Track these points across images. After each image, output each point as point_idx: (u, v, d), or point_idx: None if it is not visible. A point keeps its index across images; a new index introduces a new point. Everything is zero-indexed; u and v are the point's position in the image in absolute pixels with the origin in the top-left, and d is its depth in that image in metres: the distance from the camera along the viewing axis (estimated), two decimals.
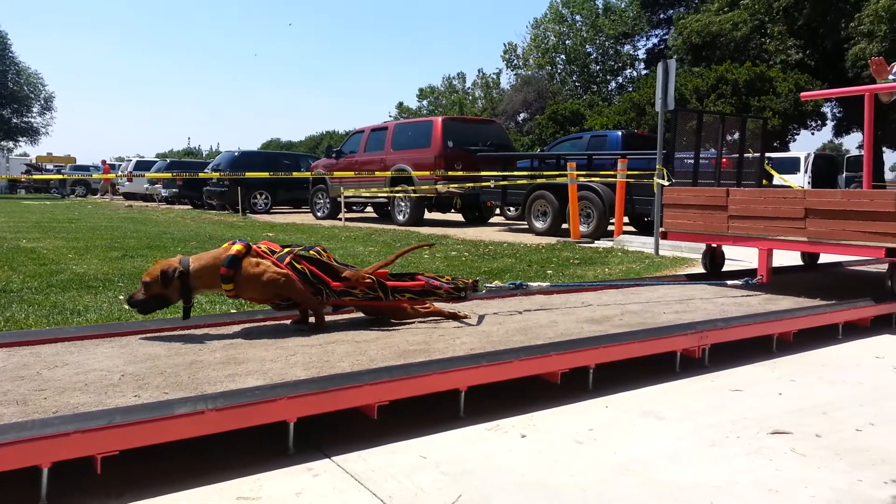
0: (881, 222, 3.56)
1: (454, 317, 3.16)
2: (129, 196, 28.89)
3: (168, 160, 30.05)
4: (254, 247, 2.84)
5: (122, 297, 4.28)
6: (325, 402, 1.99)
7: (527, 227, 11.24)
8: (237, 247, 2.77)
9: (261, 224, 12.96)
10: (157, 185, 24.94)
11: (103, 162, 34.78)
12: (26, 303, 4.04)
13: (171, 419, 1.74)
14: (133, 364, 2.30)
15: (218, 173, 17.56)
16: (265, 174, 13.74)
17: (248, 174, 14.16)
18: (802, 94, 6.24)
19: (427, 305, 3.14)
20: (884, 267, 4.14)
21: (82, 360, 2.36)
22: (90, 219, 13.58)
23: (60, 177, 26.44)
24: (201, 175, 16.94)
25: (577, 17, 46.97)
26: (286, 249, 2.93)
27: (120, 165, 35.67)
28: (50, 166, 41.03)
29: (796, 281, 4.63)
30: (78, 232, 9.81)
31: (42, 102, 48.43)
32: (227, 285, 2.73)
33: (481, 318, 3.20)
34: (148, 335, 2.73)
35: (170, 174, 20.26)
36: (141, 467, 1.84)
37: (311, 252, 2.96)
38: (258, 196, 18.13)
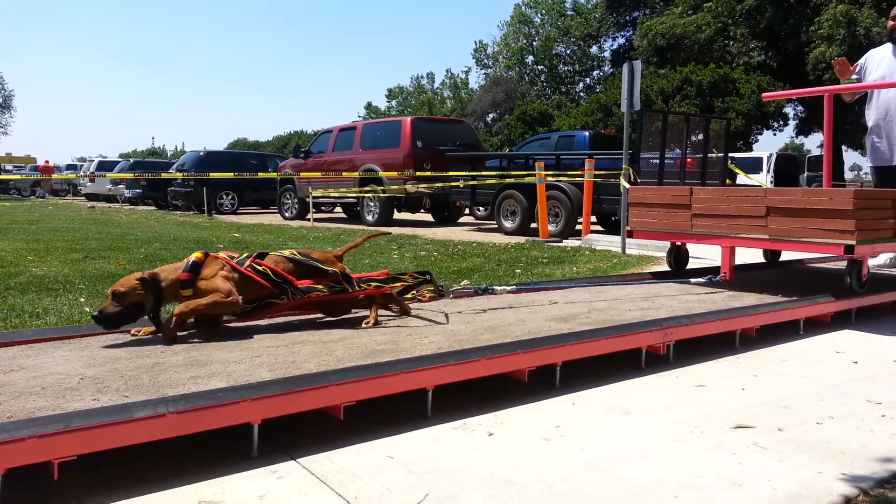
0: (839, 220, 3.64)
1: (404, 309, 3.18)
2: (91, 197, 28.31)
3: (131, 160, 29.50)
4: (212, 255, 2.80)
5: (82, 300, 4.19)
6: (290, 404, 1.96)
7: (496, 226, 11.28)
8: (197, 254, 2.74)
9: (227, 225, 12.80)
10: (120, 186, 24.48)
11: (46, 162, 34.34)
12: None
13: (130, 422, 1.70)
14: (92, 367, 2.25)
15: (183, 173, 17.30)
16: (231, 174, 13.59)
17: (214, 174, 13.99)
18: (764, 94, 6.35)
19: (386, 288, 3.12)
20: (843, 264, 4.24)
21: (39, 363, 2.30)
22: (51, 220, 13.28)
23: (13, 177, 25.89)
24: (165, 175, 16.65)
25: (545, 18, 47.34)
26: (245, 254, 2.90)
27: (81, 166, 34.96)
28: (9, 167, 40.06)
29: (759, 278, 4.72)
30: (38, 233, 9.58)
31: (0, 101, 47.27)
32: (187, 290, 2.67)
33: (445, 316, 3.20)
34: (108, 337, 2.67)
35: (133, 174, 19.90)
36: (100, 472, 1.80)
37: (273, 253, 2.94)
38: (224, 196, 17.92)
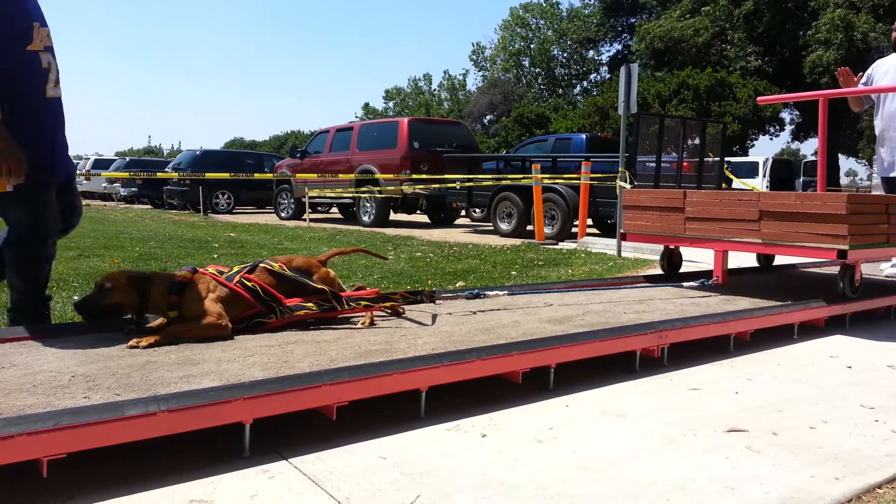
0: (832, 224, 3.64)
1: (395, 310, 3.17)
2: (87, 195, 28.22)
3: (127, 159, 29.43)
4: (200, 271, 2.77)
5: (76, 298, 4.16)
6: (283, 403, 1.95)
7: (492, 228, 11.28)
8: (183, 273, 2.71)
9: (223, 224, 12.77)
10: (115, 184, 24.40)
11: None
12: None
13: (121, 421, 1.69)
14: (84, 365, 2.24)
15: (178, 173, 17.27)
16: (227, 174, 13.53)
17: (210, 174, 13.94)
18: (759, 97, 6.36)
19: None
20: (836, 269, 4.24)
21: (31, 360, 2.29)
22: None
23: None
24: (161, 174, 16.61)
25: (541, 22, 47.45)
26: (235, 269, 2.88)
27: (77, 164, 34.84)
28: None
29: (752, 282, 4.72)
30: None
31: None
32: (173, 312, 2.65)
33: (435, 317, 3.19)
34: (101, 335, 2.66)
35: (129, 173, 19.84)
36: (90, 470, 1.79)
37: (262, 265, 2.92)
38: (220, 196, 17.87)
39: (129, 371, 2.17)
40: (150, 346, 2.48)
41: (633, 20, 36.62)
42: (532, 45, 47.76)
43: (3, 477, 1.63)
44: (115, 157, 33.60)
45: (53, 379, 2.07)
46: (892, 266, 5.59)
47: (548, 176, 9.85)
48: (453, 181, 11.67)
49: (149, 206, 21.48)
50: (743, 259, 6.17)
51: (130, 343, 2.48)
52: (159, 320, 2.73)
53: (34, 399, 1.87)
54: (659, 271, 5.19)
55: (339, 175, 13.39)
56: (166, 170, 19.39)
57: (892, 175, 5.35)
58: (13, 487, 1.69)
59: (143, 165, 25.97)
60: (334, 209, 17.65)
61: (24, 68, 2.60)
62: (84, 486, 1.71)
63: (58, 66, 2.79)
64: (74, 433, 1.63)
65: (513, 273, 5.88)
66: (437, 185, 12.03)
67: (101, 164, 29.12)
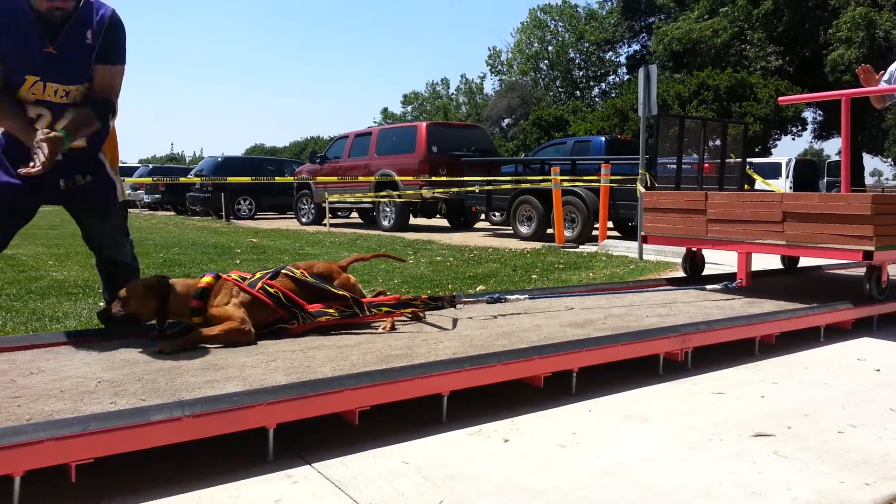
0: (858, 225, 3.59)
1: (416, 315, 3.17)
2: None
3: (151, 166, 29.81)
4: (223, 277, 2.80)
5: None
6: (306, 408, 1.96)
7: (512, 232, 11.26)
8: (207, 279, 2.73)
9: (245, 230, 12.88)
10: (139, 191, 24.71)
11: None
12: (4, 310, 3.98)
13: (146, 426, 1.71)
14: (110, 370, 2.26)
15: (201, 178, 17.44)
16: (249, 179, 13.64)
17: (232, 179, 14.07)
18: (781, 98, 6.29)
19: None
20: (862, 270, 4.18)
21: (58, 366, 2.33)
22: (71, 225, 13.41)
23: None
24: (184, 180, 16.81)
25: (560, 24, 47.33)
26: (258, 275, 2.89)
27: None
28: None
29: (776, 284, 4.66)
30: (59, 238, 9.69)
31: None
32: (197, 318, 2.67)
33: (456, 321, 3.19)
34: (127, 341, 2.69)
35: (151, 179, 20.10)
36: (117, 475, 1.81)
37: (284, 271, 2.93)
38: (242, 202, 18.02)
39: (155, 376, 2.19)
40: (175, 351, 2.50)
41: (650, 21, 36.40)
42: (550, 48, 47.65)
43: (31, 481, 1.65)
44: (139, 165, 34.03)
45: (80, 384, 2.10)
46: None
47: (567, 178, 9.82)
48: (472, 185, 11.66)
49: (172, 213, 21.71)
50: (767, 261, 6.10)
51: (156, 349, 2.51)
52: (183, 326, 2.76)
53: (62, 405, 1.90)
54: (681, 274, 5.15)
55: (359, 180, 13.44)
56: (189, 176, 19.59)
57: None
58: (42, 492, 1.71)
59: (166, 172, 26.28)
60: (354, 214, 17.71)
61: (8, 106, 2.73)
62: (110, 491, 1.73)
63: (58, 120, 2.79)
64: (102, 438, 1.65)
65: (533, 277, 5.87)
66: (457, 189, 12.03)
67: (124, 171, 29.48)
